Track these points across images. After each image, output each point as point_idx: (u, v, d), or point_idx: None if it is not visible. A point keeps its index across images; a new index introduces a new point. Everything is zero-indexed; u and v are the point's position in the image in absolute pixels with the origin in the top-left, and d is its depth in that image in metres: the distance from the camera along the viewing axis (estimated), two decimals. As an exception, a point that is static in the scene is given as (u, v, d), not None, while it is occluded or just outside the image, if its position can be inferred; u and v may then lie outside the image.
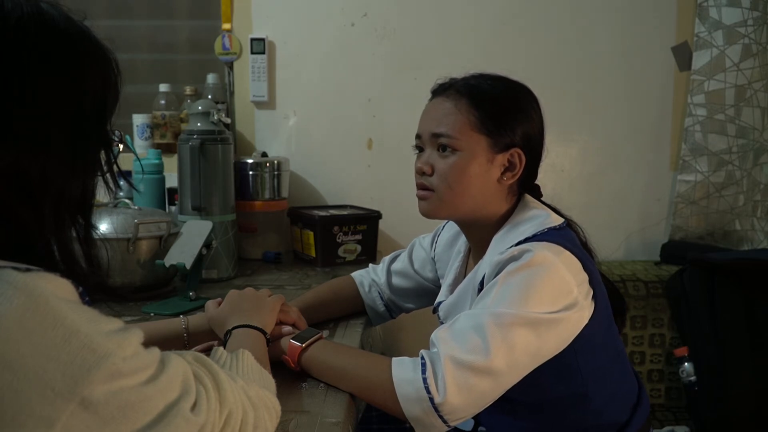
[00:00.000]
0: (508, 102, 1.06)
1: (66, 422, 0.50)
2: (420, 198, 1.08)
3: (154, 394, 0.56)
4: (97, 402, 0.51)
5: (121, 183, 0.71)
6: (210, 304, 1.07)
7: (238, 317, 0.98)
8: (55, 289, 0.52)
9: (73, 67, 0.61)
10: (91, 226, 0.66)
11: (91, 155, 0.65)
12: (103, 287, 0.67)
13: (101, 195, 0.69)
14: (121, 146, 0.71)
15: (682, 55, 2.09)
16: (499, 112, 1.04)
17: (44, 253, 0.59)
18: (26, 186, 0.58)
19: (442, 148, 1.04)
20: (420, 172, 1.07)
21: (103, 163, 0.67)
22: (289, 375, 0.99)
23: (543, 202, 1.10)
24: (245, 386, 0.71)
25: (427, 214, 1.08)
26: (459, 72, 1.12)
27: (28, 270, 0.52)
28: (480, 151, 1.03)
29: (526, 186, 1.10)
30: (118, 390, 0.52)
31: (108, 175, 0.68)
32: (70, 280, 0.55)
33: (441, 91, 1.08)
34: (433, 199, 1.06)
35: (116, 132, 0.69)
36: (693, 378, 1.83)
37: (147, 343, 0.58)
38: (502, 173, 1.05)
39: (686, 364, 1.84)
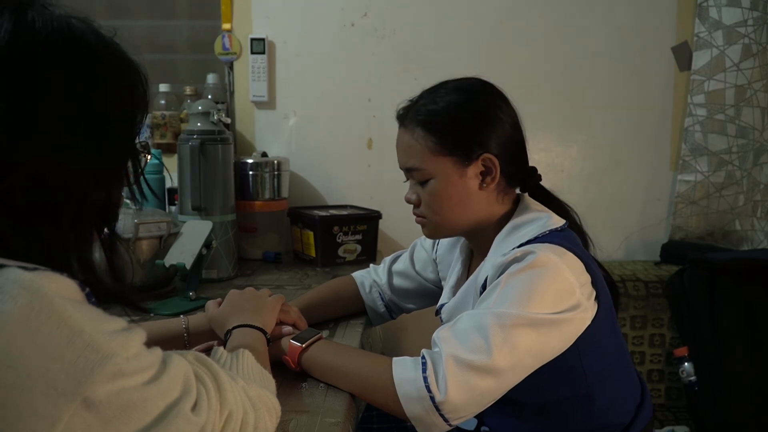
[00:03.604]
0: (462, 114, 1.05)
1: (68, 422, 0.50)
2: (419, 224, 1.12)
3: (155, 395, 0.56)
4: (99, 402, 0.51)
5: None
6: (210, 304, 1.07)
7: (238, 317, 0.98)
8: (60, 289, 0.52)
9: (101, 82, 0.62)
10: (116, 238, 0.67)
11: (118, 167, 0.66)
12: (127, 301, 0.67)
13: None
14: (148, 157, 0.72)
15: (682, 55, 2.09)
16: (453, 131, 1.03)
17: (64, 266, 0.59)
18: (50, 197, 0.58)
19: (417, 178, 1.07)
20: (409, 203, 1.11)
21: (130, 174, 0.68)
22: (289, 375, 0.99)
23: (546, 198, 1.11)
24: (246, 386, 0.71)
25: (431, 237, 1.14)
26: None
27: (35, 269, 0.52)
28: (450, 172, 1.04)
29: (516, 178, 1.09)
30: (120, 390, 0.53)
31: (135, 186, 0.69)
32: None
33: (401, 121, 1.11)
34: (429, 226, 1.10)
35: (144, 142, 0.69)
36: (693, 378, 1.83)
37: (148, 343, 0.58)
38: (481, 181, 1.05)
39: (686, 364, 1.84)
